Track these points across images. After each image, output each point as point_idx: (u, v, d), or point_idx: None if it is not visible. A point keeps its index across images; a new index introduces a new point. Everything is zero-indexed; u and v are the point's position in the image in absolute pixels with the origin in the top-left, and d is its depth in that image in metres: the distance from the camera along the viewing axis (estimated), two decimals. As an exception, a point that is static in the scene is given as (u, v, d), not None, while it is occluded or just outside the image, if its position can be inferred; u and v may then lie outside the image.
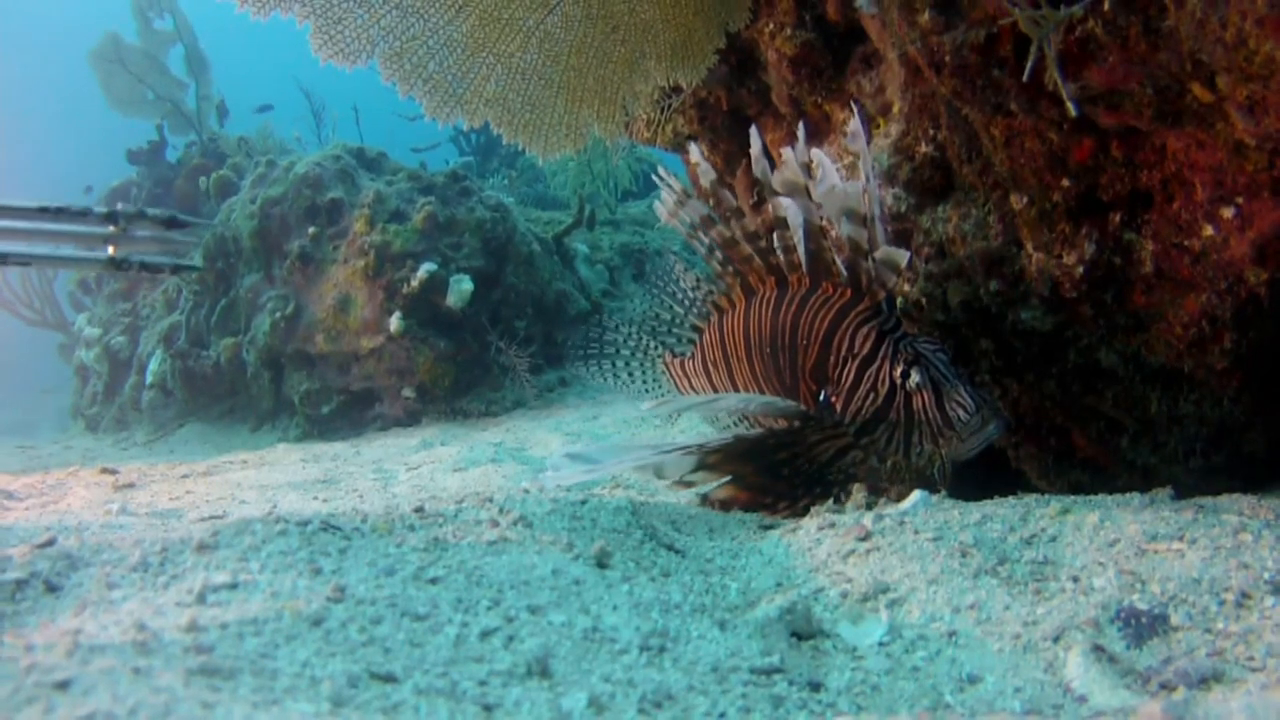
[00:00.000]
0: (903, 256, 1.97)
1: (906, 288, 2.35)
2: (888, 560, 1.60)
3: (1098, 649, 1.26)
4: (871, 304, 2.15)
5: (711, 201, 2.42)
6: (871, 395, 2.11)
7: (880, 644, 1.38)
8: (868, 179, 2.02)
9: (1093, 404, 2.16)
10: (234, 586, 1.25)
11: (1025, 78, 1.61)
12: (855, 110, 2.05)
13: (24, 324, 10.90)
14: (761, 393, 2.41)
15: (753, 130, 2.28)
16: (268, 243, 7.01)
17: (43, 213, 2.15)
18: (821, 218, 2.20)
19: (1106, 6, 1.58)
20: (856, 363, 2.13)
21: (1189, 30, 1.49)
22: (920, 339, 2.10)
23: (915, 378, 2.04)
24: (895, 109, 2.34)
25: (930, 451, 2.06)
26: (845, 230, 2.09)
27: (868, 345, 2.12)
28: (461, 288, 6.38)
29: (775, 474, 2.22)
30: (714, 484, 2.27)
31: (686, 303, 2.74)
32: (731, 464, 2.22)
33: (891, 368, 2.08)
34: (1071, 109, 1.58)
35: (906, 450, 2.11)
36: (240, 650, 1.06)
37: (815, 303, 2.24)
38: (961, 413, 2.00)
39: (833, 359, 2.18)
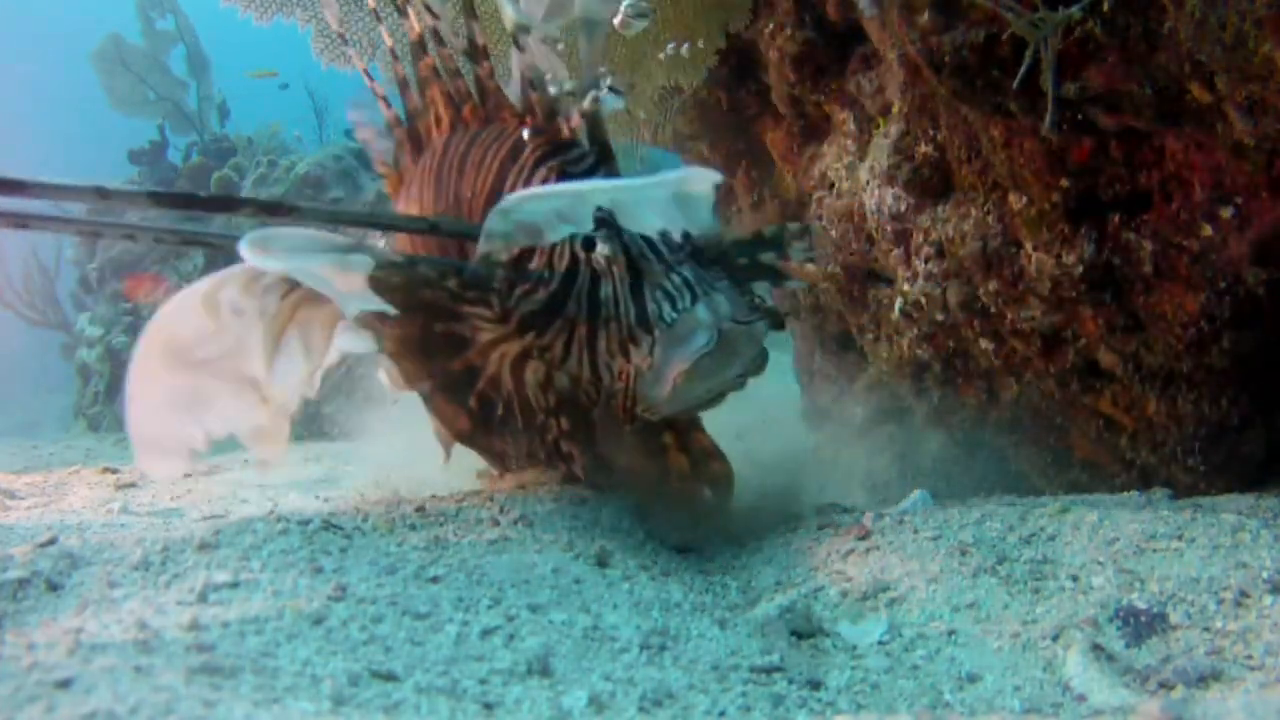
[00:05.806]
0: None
1: (906, 287, 2.36)
2: (887, 559, 1.60)
3: (1097, 648, 1.26)
4: (552, 138, 1.55)
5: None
6: (546, 271, 1.42)
7: (880, 642, 1.38)
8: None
9: (1092, 404, 2.16)
10: (235, 585, 1.26)
11: (1016, 85, 1.61)
12: None
13: (26, 324, 10.89)
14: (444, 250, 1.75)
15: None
16: (269, 242, 7.00)
17: None
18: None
19: (1106, 7, 1.58)
20: None
21: (1188, 31, 1.49)
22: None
23: (604, 247, 1.34)
24: (895, 109, 2.34)
25: (620, 369, 1.33)
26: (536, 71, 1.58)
27: None
28: (462, 287, 6.38)
29: (459, 396, 1.59)
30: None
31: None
32: (406, 353, 1.62)
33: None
34: (1047, 125, 1.57)
35: (593, 365, 1.41)
36: (242, 649, 1.07)
37: (488, 137, 1.66)
38: (668, 307, 1.30)
39: None
